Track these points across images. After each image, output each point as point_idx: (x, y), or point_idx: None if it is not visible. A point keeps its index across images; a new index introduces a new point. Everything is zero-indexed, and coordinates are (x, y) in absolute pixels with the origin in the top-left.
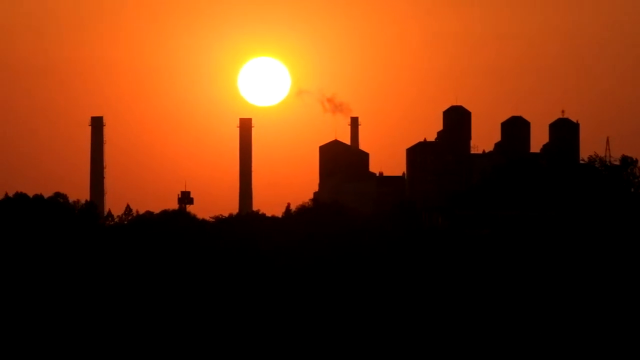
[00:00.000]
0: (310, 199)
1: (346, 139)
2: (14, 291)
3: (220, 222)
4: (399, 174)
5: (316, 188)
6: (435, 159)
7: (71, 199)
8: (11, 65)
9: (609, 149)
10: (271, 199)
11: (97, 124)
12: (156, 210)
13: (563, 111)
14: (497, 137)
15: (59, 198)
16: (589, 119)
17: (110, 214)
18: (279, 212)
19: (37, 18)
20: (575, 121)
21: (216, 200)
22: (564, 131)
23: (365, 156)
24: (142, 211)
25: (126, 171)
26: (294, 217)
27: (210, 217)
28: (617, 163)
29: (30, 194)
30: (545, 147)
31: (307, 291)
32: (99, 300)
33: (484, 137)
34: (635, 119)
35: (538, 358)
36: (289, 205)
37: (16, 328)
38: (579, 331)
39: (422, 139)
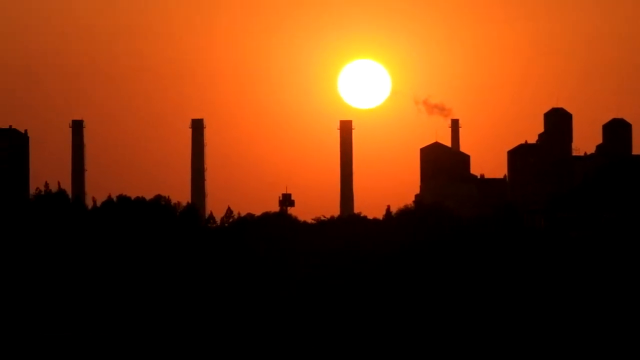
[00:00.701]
0: (411, 202)
1: (447, 141)
2: (115, 292)
3: (321, 225)
4: (500, 176)
5: (417, 190)
6: (537, 161)
7: (172, 201)
8: (112, 68)
9: None
10: (372, 201)
11: (197, 126)
12: (257, 212)
13: None
14: (598, 139)
15: (160, 200)
16: None
17: (211, 216)
18: (379, 214)
19: (136, 20)
20: None
21: (317, 202)
22: None
23: (466, 158)
24: (243, 213)
25: (227, 173)
26: (395, 220)
27: (312, 220)
28: None
29: (132, 197)
30: None
31: (409, 293)
32: (200, 301)
33: (585, 139)
34: None
35: None
36: (389, 207)
37: (121, 328)
38: None
39: (523, 141)
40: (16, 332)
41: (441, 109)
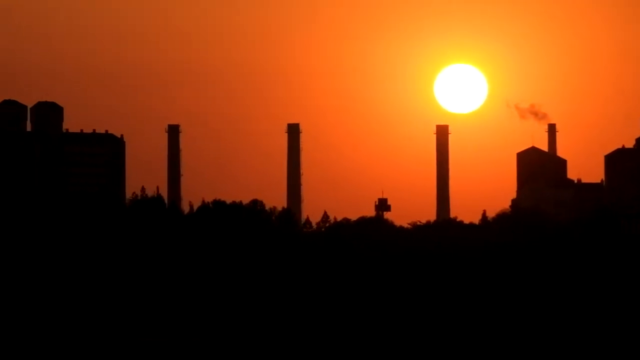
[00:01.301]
0: (508, 206)
1: (543, 146)
2: (212, 295)
3: (417, 229)
4: (597, 180)
5: (513, 195)
6: (634, 166)
7: (268, 206)
8: (208, 73)
9: None
10: (468, 206)
11: (293, 130)
12: (353, 217)
13: None
14: None
15: (256, 205)
16: None
17: (307, 221)
18: (475, 219)
19: (233, 25)
20: None
21: (413, 207)
22: None
23: (563, 163)
24: (339, 218)
25: (323, 178)
26: (492, 224)
27: (408, 224)
28: None
29: (228, 201)
30: None
31: (506, 297)
32: (298, 305)
33: None
34: None
35: None
36: (485, 212)
37: (223, 328)
38: None
39: (620, 146)
40: (111, 333)
41: (536, 114)
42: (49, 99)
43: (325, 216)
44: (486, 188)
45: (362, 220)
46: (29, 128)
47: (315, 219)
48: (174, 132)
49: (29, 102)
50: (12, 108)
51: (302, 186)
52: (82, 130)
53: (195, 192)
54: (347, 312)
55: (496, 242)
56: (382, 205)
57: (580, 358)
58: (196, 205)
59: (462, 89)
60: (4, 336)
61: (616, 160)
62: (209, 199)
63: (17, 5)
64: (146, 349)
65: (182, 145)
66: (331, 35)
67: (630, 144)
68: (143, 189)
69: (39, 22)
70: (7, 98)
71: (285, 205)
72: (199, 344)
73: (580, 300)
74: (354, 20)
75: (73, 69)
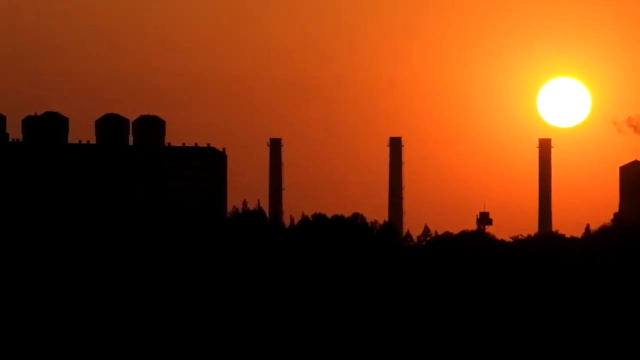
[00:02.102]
0: (610, 220)
1: None
2: (309, 310)
3: (519, 243)
4: None
5: (616, 209)
6: None
7: (370, 219)
8: (310, 86)
9: None
10: (570, 220)
11: (395, 144)
12: (455, 230)
13: None
14: None
15: (357, 219)
16: None
17: (408, 234)
18: (578, 232)
19: (333, 38)
20: None
21: (515, 220)
22: None
23: None
24: (440, 232)
25: (425, 191)
26: (594, 238)
27: (509, 238)
28: None
29: (329, 215)
30: None
31: (608, 312)
32: (396, 320)
33: None
34: None
35: None
36: (588, 226)
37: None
38: None
39: None
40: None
41: (636, 127)
42: (151, 113)
43: (427, 230)
44: (589, 202)
45: (464, 234)
46: (130, 142)
47: (416, 232)
48: (276, 145)
49: (131, 116)
50: (115, 122)
51: (403, 199)
52: (183, 143)
53: (297, 206)
54: (450, 326)
55: (598, 256)
56: (484, 218)
57: None
58: (297, 218)
59: (565, 102)
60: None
61: None
62: (310, 212)
63: (118, 21)
64: None
65: (283, 159)
66: (433, 49)
67: None
68: (245, 203)
69: (141, 37)
70: (109, 112)
71: (387, 219)
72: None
73: None
74: (456, 33)
75: (175, 83)
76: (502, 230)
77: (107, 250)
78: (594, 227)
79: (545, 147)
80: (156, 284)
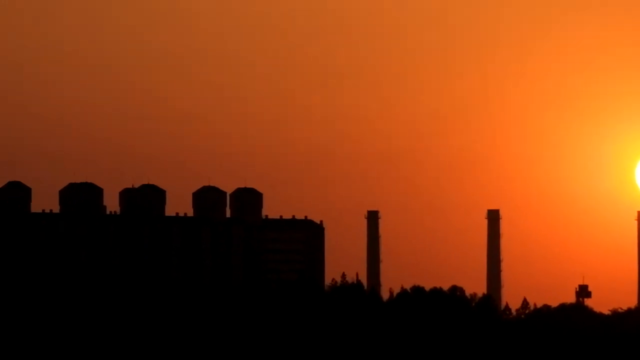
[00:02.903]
0: None
1: None
2: None
3: (618, 316)
4: None
5: None
6: None
7: (468, 292)
8: (405, 160)
9: None
10: None
11: (493, 216)
12: (554, 303)
13: None
14: None
15: (456, 291)
16: None
17: (507, 307)
18: None
19: (429, 113)
20: None
21: (614, 293)
22: None
23: None
24: (539, 304)
25: (523, 264)
26: None
27: (608, 311)
28: None
29: (428, 288)
30: None
31: None
32: None
33: None
34: None
35: None
36: None
37: None
38: None
39: None
40: None
41: None
42: (248, 185)
43: (525, 302)
44: None
45: (563, 307)
46: (228, 214)
47: (515, 305)
48: (373, 218)
49: (228, 188)
50: (212, 194)
51: (501, 272)
52: (281, 216)
53: (395, 278)
54: None
55: None
56: (583, 291)
57: None
58: (395, 291)
59: None
60: None
61: None
62: (408, 285)
63: (214, 100)
64: None
65: (381, 231)
66: (529, 122)
67: None
68: (343, 275)
69: (238, 111)
70: (206, 184)
71: (485, 291)
72: None
73: None
74: (551, 106)
75: (272, 155)
76: (601, 303)
77: (207, 323)
78: None
79: None
80: (255, 357)
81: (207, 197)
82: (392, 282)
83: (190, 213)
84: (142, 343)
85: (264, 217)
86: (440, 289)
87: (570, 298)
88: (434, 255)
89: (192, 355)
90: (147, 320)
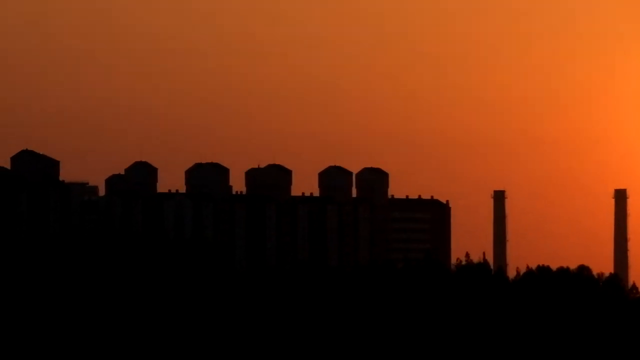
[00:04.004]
0: None
1: None
2: None
3: None
4: None
5: None
6: None
7: (595, 271)
8: (533, 138)
9: None
10: None
11: (620, 196)
12: None
13: None
14: None
15: (583, 271)
16: None
17: (634, 286)
18: None
19: (550, 91)
20: None
21: None
22: None
23: None
24: None
25: None
26: None
27: None
28: None
29: (554, 267)
30: None
31: None
32: None
33: None
34: None
35: None
36: None
37: None
38: None
39: None
40: None
41: None
42: (374, 165)
43: None
44: None
45: None
46: (354, 194)
47: None
48: (499, 197)
49: (355, 168)
50: (338, 174)
51: (628, 251)
52: (407, 196)
53: (521, 258)
54: None
55: None
56: None
57: None
58: (522, 271)
59: None
60: None
61: None
62: (534, 264)
63: (338, 70)
64: None
65: (507, 211)
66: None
67: None
68: (467, 255)
69: (364, 91)
70: (332, 164)
71: (612, 271)
72: None
73: None
74: None
75: (398, 135)
76: None
77: (334, 304)
78: None
79: None
80: (378, 338)
81: (333, 177)
82: (518, 261)
83: (316, 193)
84: (271, 326)
85: (389, 197)
86: (567, 268)
87: None
88: (560, 235)
89: (322, 336)
90: (273, 301)
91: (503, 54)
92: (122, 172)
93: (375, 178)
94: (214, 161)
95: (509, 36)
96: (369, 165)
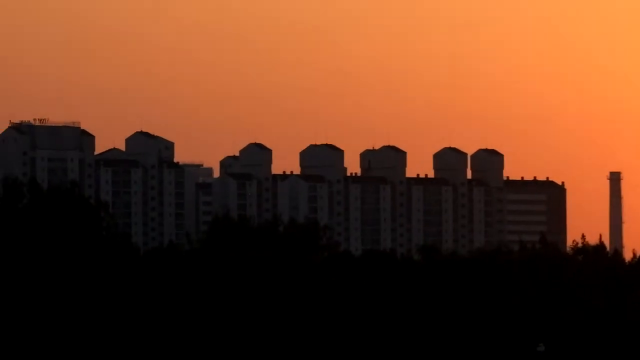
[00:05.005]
0: None
1: None
2: None
3: None
4: None
5: None
6: None
7: None
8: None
9: None
10: None
11: (615, 178)
12: None
13: None
14: None
15: None
16: None
17: None
18: None
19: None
20: None
21: None
22: None
23: None
24: None
25: None
26: None
27: None
28: None
29: None
30: None
31: None
32: None
33: None
34: None
35: None
36: None
37: None
38: None
39: None
40: None
41: None
42: (489, 147)
43: None
44: None
45: None
46: (468, 175)
47: None
48: (615, 179)
49: (469, 150)
50: (453, 155)
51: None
52: (522, 177)
53: (638, 240)
54: None
55: None
56: None
57: None
58: (639, 253)
59: None
60: None
61: None
62: None
63: (453, 56)
64: None
65: (623, 192)
66: None
67: None
68: (583, 237)
69: (480, 73)
70: (447, 146)
71: None
72: None
73: None
74: None
75: (513, 117)
76: None
77: (452, 286)
78: None
79: None
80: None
81: (447, 158)
82: (635, 243)
83: (431, 174)
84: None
85: (504, 178)
86: None
87: None
88: None
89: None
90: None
91: (621, 36)
92: (237, 154)
93: (490, 159)
94: (328, 142)
95: (608, 15)
96: (484, 147)
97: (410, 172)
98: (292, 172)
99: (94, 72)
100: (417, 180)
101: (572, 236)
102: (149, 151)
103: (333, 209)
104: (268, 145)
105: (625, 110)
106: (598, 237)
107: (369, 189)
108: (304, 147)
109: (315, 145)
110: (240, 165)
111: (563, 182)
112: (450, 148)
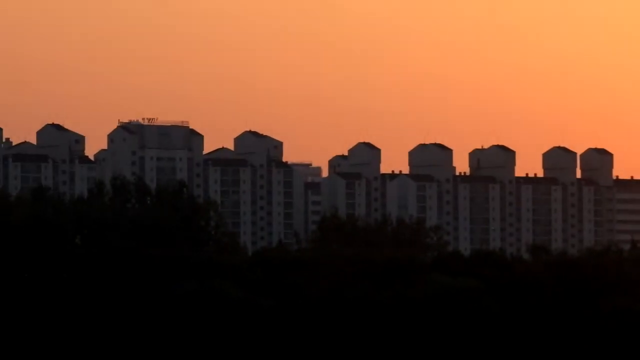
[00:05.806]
0: None
1: None
2: None
3: None
4: None
5: None
6: None
7: None
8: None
9: None
10: None
11: None
12: None
13: None
14: None
15: None
16: None
17: None
18: None
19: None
20: None
21: None
22: None
23: None
24: None
25: None
26: None
27: None
28: None
29: None
30: None
31: None
32: None
33: None
34: None
35: None
36: None
37: None
38: None
39: None
40: None
41: None
42: (599, 146)
43: None
44: None
45: None
46: (578, 175)
47: None
48: None
49: (579, 149)
50: (562, 154)
51: None
52: (632, 176)
53: None
54: None
55: None
56: None
57: None
58: None
59: None
60: None
61: None
62: None
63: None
64: None
65: None
66: None
67: None
68: None
69: (575, 70)
70: (557, 145)
71: None
72: None
73: None
74: None
75: (623, 116)
76: None
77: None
78: None
79: None
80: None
81: (557, 157)
82: None
83: (540, 173)
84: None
85: (614, 178)
86: None
87: None
88: None
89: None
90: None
91: None
92: (346, 153)
93: (599, 158)
94: (438, 142)
95: None
96: (594, 146)
97: (520, 171)
98: (400, 171)
99: (202, 71)
100: (526, 179)
101: None
102: (257, 150)
103: (442, 208)
104: (377, 145)
105: None
106: None
107: (478, 188)
108: (413, 147)
109: (424, 145)
110: (349, 165)
111: None
112: (559, 147)
